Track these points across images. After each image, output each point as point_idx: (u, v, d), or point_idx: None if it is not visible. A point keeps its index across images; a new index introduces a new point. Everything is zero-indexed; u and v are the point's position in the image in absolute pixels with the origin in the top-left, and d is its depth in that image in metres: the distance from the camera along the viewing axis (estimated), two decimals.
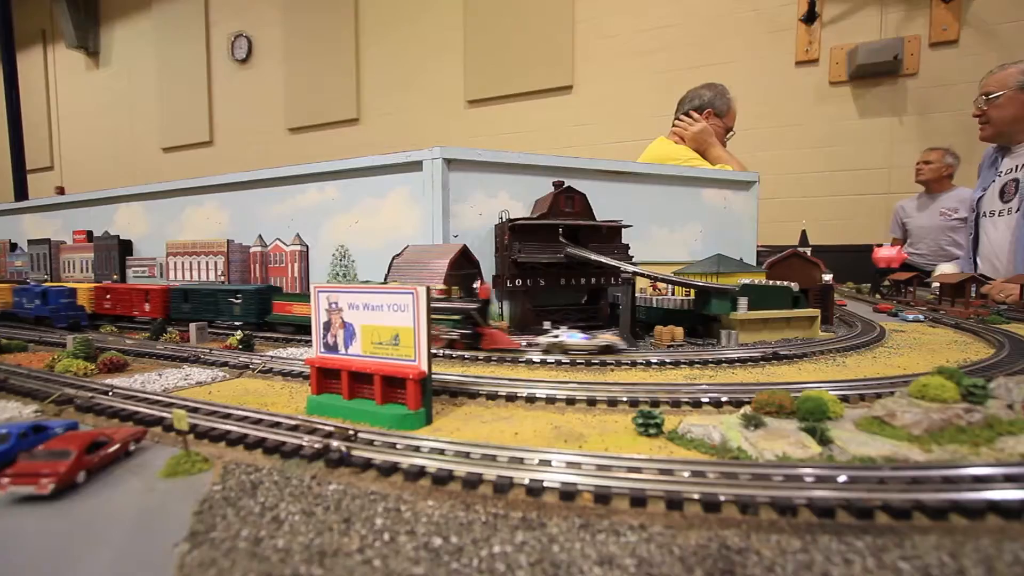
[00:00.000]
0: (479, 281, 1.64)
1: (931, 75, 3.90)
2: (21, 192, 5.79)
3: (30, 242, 3.02)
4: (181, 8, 6.79)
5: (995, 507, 0.56)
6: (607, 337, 1.36)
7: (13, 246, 3.16)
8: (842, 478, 0.63)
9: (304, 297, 1.73)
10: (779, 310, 1.61)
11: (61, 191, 5.39)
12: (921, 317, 2.08)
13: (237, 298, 1.81)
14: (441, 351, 1.39)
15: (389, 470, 0.69)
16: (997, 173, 2.95)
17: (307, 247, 2.15)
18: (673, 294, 1.89)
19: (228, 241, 2.25)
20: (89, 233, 2.79)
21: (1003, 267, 2.84)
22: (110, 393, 1.05)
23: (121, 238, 2.66)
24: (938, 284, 2.53)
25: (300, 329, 1.70)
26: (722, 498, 0.59)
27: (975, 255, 3.07)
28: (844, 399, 0.94)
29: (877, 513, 0.56)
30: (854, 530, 0.54)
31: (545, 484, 0.63)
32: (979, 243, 3.04)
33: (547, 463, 0.68)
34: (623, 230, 1.85)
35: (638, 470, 0.65)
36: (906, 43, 3.87)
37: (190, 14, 6.72)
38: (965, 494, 0.58)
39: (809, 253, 1.99)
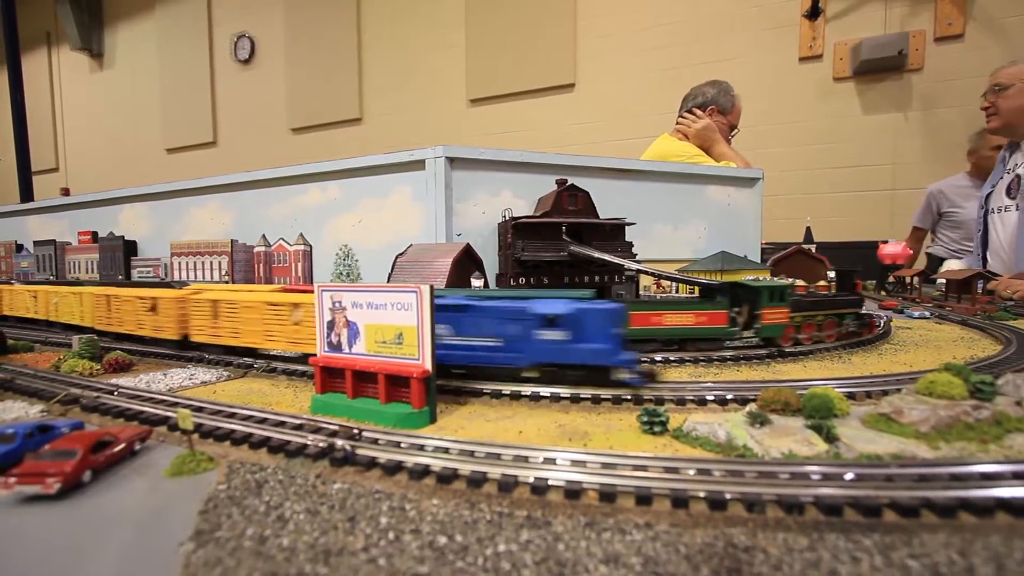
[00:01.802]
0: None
1: (936, 70, 3.86)
2: (27, 193, 5.82)
3: (36, 243, 3.04)
4: (184, 9, 6.80)
5: (1004, 505, 0.56)
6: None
7: (19, 247, 3.18)
8: (849, 476, 0.62)
9: (682, 304, 1.39)
10: None
11: (66, 192, 5.41)
12: (927, 314, 2.07)
13: None
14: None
15: (393, 469, 0.69)
16: (1006, 169, 2.95)
17: (310, 247, 2.15)
18: (677, 291, 1.89)
19: (232, 241, 2.26)
20: (94, 234, 2.80)
21: (1014, 262, 2.84)
22: (115, 393, 1.05)
23: (126, 239, 2.67)
24: (944, 281, 2.51)
25: (669, 344, 1.38)
26: (728, 496, 0.58)
27: (984, 251, 3.06)
28: (850, 396, 0.93)
29: (885, 511, 0.56)
30: (862, 528, 0.54)
31: (550, 482, 0.63)
32: (988, 239, 3.03)
33: (552, 461, 0.68)
34: (627, 228, 1.84)
35: (643, 468, 0.65)
36: (911, 38, 3.84)
37: (193, 15, 6.73)
38: (974, 492, 0.57)
39: (814, 250, 1.98)
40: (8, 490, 0.65)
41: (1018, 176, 2.84)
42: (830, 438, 0.74)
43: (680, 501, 0.59)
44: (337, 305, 0.97)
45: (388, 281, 1.59)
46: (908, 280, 2.86)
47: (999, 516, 0.55)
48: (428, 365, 0.88)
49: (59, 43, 7.89)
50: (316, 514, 0.59)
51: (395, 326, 0.90)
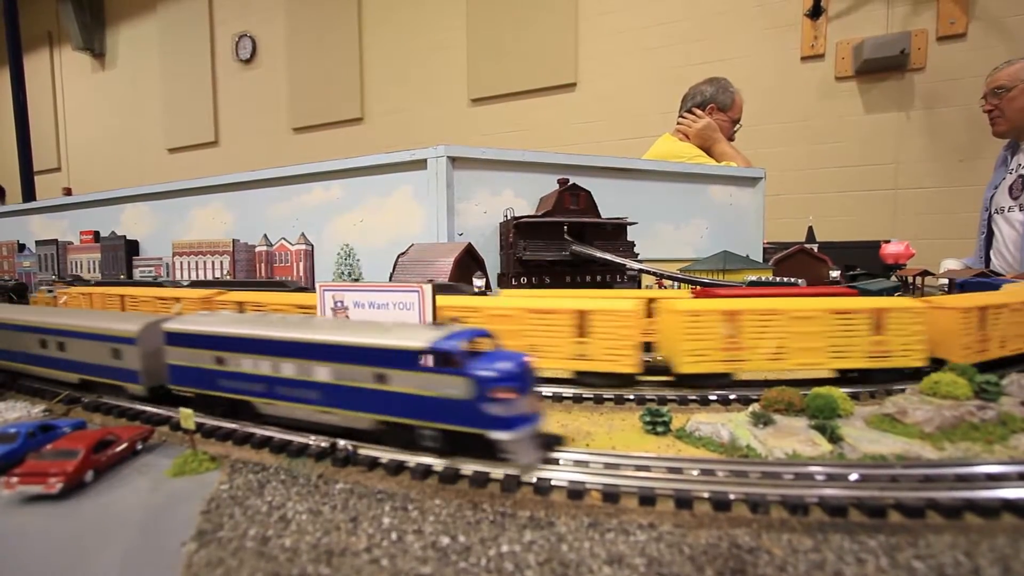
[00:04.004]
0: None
1: (938, 69, 3.85)
2: (29, 193, 5.82)
3: (38, 243, 3.04)
4: (185, 9, 6.80)
5: (1010, 506, 0.56)
6: None
7: (21, 247, 3.19)
8: (853, 476, 0.62)
9: None
10: None
11: (68, 192, 5.41)
12: None
13: None
14: None
15: (396, 469, 0.68)
16: (1008, 170, 2.95)
17: (312, 246, 2.16)
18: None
19: (233, 240, 2.26)
20: (96, 233, 2.80)
21: (1016, 263, 2.84)
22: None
23: (127, 238, 2.67)
24: (947, 280, 2.51)
25: None
26: (732, 496, 0.58)
27: (987, 251, 3.06)
28: (854, 396, 0.93)
29: (890, 512, 0.56)
30: (867, 529, 0.54)
31: (553, 483, 0.63)
32: (992, 240, 3.03)
33: (555, 461, 0.67)
34: (628, 227, 1.84)
35: (646, 468, 0.65)
36: (913, 37, 3.83)
37: (194, 15, 6.73)
38: (979, 492, 0.57)
39: (816, 249, 1.97)
40: (10, 490, 0.65)
41: (1021, 176, 2.83)
42: (834, 438, 0.74)
43: (684, 502, 0.58)
44: (339, 305, 0.97)
45: (390, 280, 1.59)
46: (911, 279, 2.85)
47: (1005, 517, 0.55)
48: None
49: (61, 43, 7.89)
50: (318, 514, 0.59)
51: None
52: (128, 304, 1.54)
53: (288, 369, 0.78)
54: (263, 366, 0.80)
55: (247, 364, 0.82)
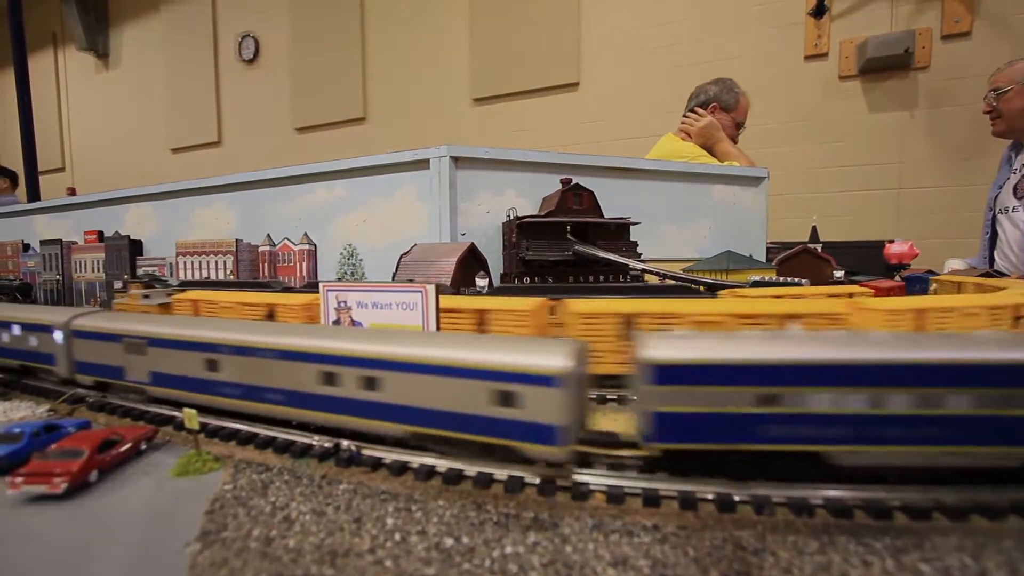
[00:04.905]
0: None
1: (943, 68, 3.84)
2: (34, 193, 5.85)
3: (42, 243, 3.05)
4: (188, 10, 6.82)
5: (1017, 508, 0.55)
6: None
7: (26, 247, 3.20)
8: None
9: None
10: None
11: (72, 192, 5.43)
12: None
13: None
14: None
15: (399, 469, 0.68)
16: (1012, 170, 2.95)
17: (315, 246, 2.16)
18: None
19: (237, 240, 2.26)
20: (100, 233, 2.81)
21: (1020, 263, 2.83)
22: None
23: (131, 238, 2.68)
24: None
25: None
26: (737, 498, 0.58)
27: (992, 251, 3.05)
28: None
29: (896, 513, 0.56)
30: (872, 531, 0.53)
31: (557, 483, 0.62)
32: (996, 240, 3.03)
33: None
34: (631, 227, 1.83)
35: (651, 469, 0.65)
36: (917, 36, 3.81)
37: (197, 15, 6.75)
38: (986, 494, 0.57)
39: (820, 249, 1.96)
40: (15, 490, 0.65)
41: None
42: None
43: (688, 503, 0.58)
44: (342, 305, 0.97)
45: (393, 280, 1.59)
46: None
47: (1011, 519, 0.55)
48: None
49: (65, 44, 7.93)
50: (322, 515, 0.59)
51: (400, 326, 0.90)
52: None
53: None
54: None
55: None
